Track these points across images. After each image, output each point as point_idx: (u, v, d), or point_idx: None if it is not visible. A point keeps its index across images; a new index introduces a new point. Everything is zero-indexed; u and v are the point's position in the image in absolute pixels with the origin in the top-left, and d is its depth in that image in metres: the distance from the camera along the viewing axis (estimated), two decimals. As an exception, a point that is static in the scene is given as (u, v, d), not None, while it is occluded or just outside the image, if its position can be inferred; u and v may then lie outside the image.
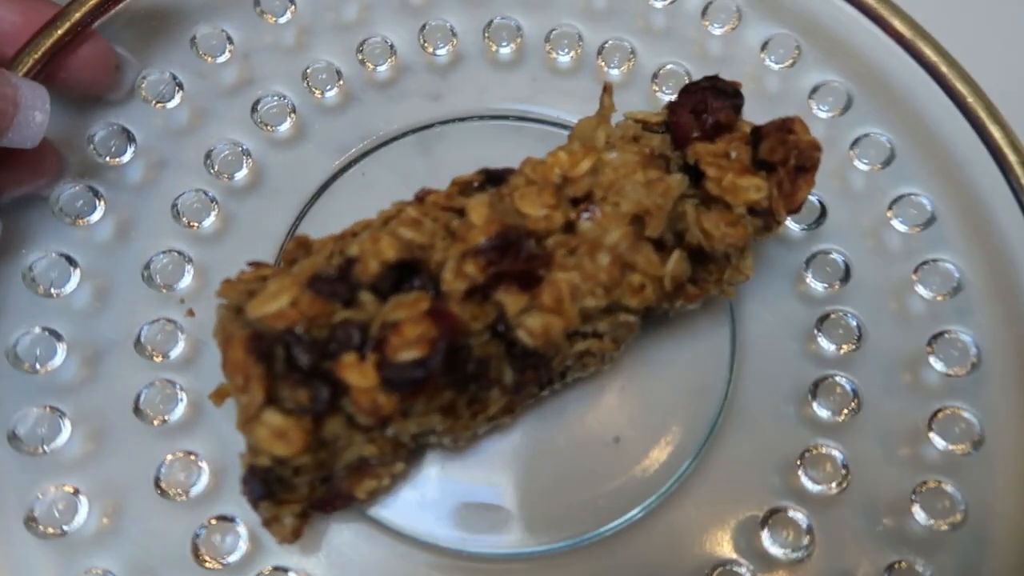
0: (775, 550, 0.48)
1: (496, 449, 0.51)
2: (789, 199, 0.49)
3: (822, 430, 0.48)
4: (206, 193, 0.56)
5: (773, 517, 0.48)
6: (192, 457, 0.49)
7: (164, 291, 0.53)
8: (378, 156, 0.59)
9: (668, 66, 0.60)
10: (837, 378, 0.51)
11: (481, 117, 0.61)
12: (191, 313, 0.52)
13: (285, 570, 0.47)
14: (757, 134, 0.50)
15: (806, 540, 0.47)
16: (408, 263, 0.45)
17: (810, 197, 0.55)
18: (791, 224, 0.56)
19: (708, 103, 0.51)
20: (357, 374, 0.42)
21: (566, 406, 0.52)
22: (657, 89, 0.60)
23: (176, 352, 0.51)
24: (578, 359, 0.49)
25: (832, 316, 0.53)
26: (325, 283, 0.45)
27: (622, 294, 0.46)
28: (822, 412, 0.51)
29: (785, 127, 0.49)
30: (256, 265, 0.47)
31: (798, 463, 0.49)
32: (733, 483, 0.50)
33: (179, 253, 0.54)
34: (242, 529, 0.47)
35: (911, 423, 0.50)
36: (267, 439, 0.42)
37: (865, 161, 0.57)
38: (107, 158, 0.56)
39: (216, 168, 0.56)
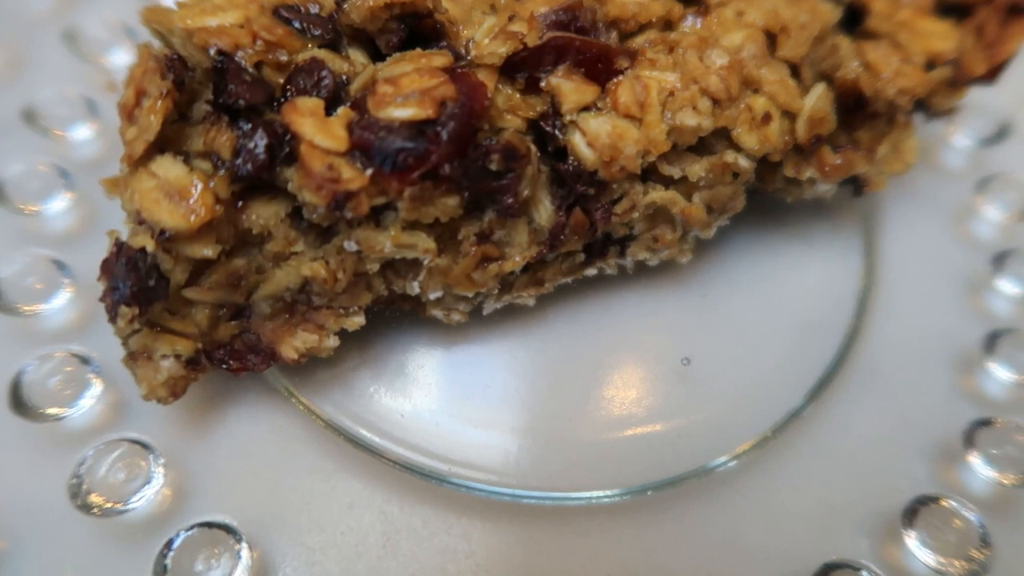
0: (926, 558, 0.29)
1: (507, 346, 0.34)
2: (992, 50, 0.35)
3: (996, 404, 0.31)
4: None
5: (923, 511, 0.30)
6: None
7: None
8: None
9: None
10: (1025, 333, 0.34)
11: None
12: (112, 87, 0.37)
13: (146, 447, 0.29)
14: (947, -33, 0.36)
15: (976, 551, 0.29)
16: (426, 22, 0.30)
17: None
18: (958, 140, 0.40)
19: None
20: (315, 125, 0.26)
21: (618, 303, 0.35)
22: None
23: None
24: (649, 224, 0.33)
25: (1017, 253, 0.36)
26: (299, 14, 0.30)
27: (737, 119, 0.31)
28: (1000, 376, 0.33)
29: (995, -50, 0.35)
30: None
31: (964, 445, 0.32)
32: (855, 458, 0.32)
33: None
34: (97, 383, 0.30)
35: None
36: (151, 197, 0.27)
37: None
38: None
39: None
